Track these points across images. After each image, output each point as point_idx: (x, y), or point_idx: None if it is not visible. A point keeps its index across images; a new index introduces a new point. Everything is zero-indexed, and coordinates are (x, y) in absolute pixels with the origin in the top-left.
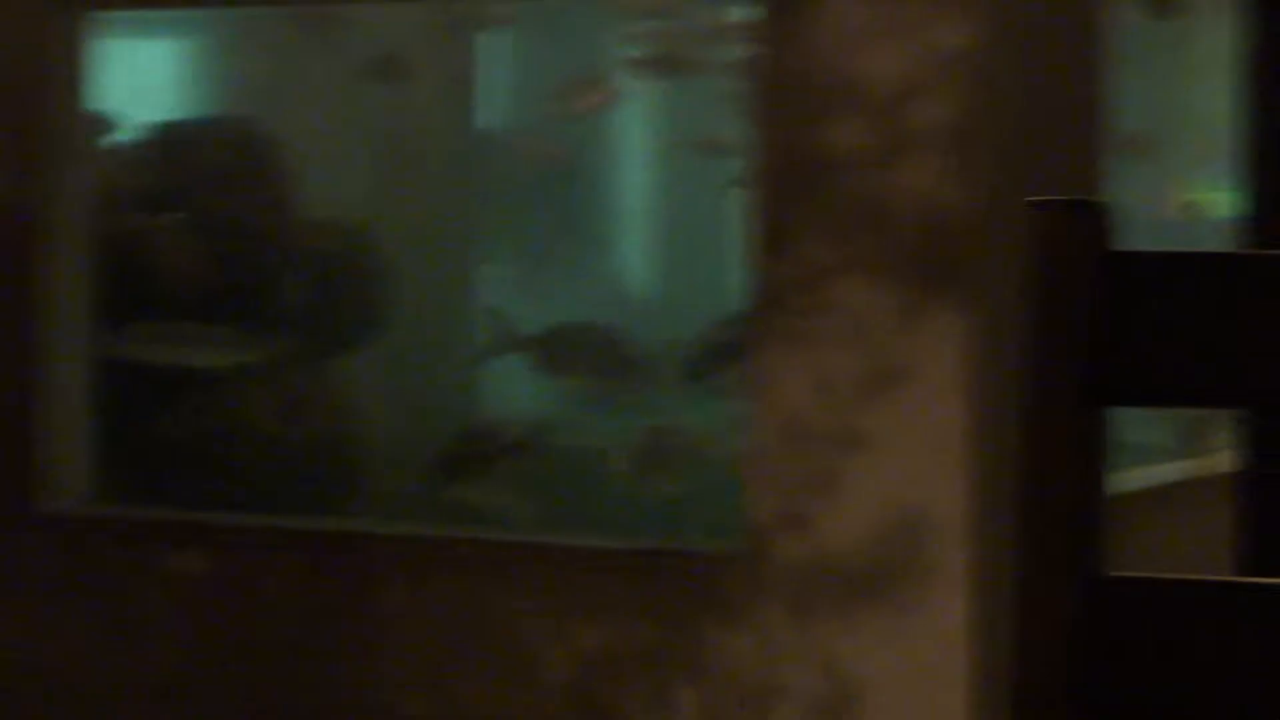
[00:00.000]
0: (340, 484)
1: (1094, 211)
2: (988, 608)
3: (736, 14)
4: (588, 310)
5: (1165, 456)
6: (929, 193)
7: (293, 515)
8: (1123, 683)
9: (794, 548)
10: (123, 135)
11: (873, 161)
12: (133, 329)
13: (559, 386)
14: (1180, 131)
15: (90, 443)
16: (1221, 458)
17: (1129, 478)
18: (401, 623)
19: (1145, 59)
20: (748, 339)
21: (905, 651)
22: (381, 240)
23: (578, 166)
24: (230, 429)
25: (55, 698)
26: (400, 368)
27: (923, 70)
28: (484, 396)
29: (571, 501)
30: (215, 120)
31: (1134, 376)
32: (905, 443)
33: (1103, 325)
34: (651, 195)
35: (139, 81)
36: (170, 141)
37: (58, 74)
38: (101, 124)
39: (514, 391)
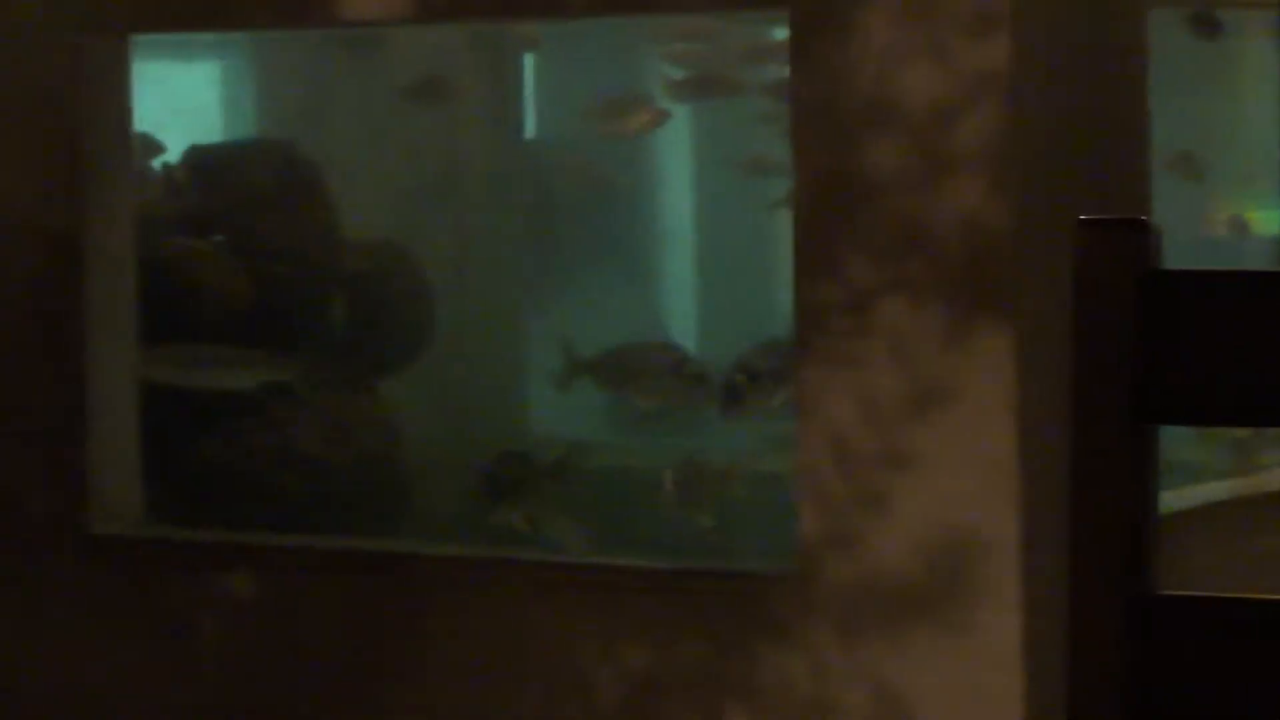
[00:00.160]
0: (386, 506)
1: (1140, 230)
2: (1038, 627)
3: (773, 35)
4: (631, 332)
5: (1214, 475)
6: (971, 213)
7: (339, 537)
8: (1175, 702)
9: (843, 568)
10: (164, 158)
11: (914, 182)
12: (176, 352)
13: (632, 407)
14: (1228, 151)
15: (139, 465)
16: (1271, 476)
17: (1179, 497)
18: (449, 643)
19: (1193, 80)
20: (793, 360)
21: (955, 672)
22: (424, 262)
23: (620, 187)
24: (275, 451)
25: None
26: (444, 389)
27: (963, 90)
28: (529, 417)
29: (619, 522)
30: (257, 142)
31: (1182, 395)
32: (953, 463)
33: (1150, 344)
34: (694, 216)
35: (180, 104)
36: (212, 164)
37: (99, 97)
38: (143, 147)
39: (559, 412)
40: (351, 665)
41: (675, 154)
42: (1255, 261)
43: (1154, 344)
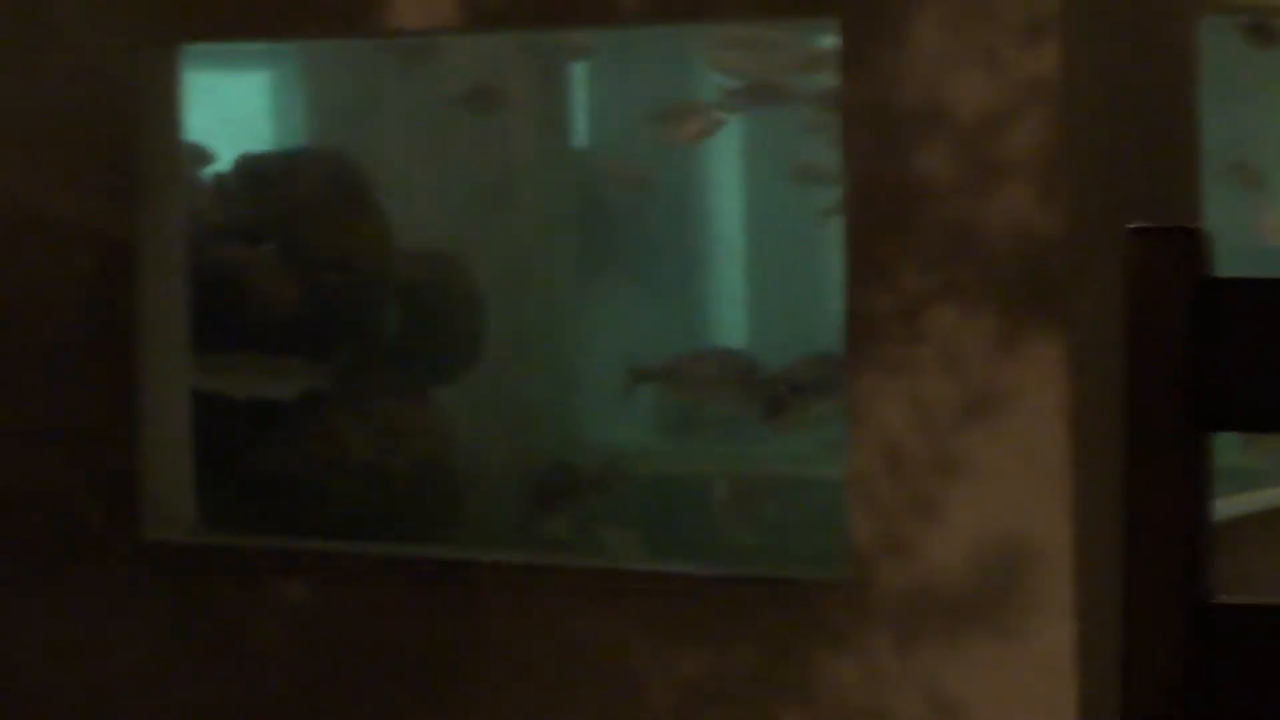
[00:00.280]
0: (441, 512)
1: (1191, 238)
2: (1093, 634)
3: (824, 43)
4: (683, 341)
5: (1268, 482)
6: (1023, 219)
7: (394, 543)
8: (1230, 709)
9: (897, 574)
10: (215, 167)
11: (965, 189)
12: (229, 360)
13: (701, 414)
14: None
15: (193, 471)
16: None
17: (1233, 503)
18: (505, 650)
19: (1251, 89)
20: (844, 367)
21: (1009, 678)
22: (476, 270)
23: (672, 194)
24: (329, 458)
25: None
26: (497, 396)
27: (1014, 96)
28: (581, 424)
29: (673, 529)
30: (307, 151)
31: (1234, 402)
32: (1006, 469)
33: (1203, 351)
34: (744, 224)
35: (231, 113)
36: (262, 173)
37: (150, 106)
38: (194, 156)
39: (613, 419)
40: (406, 671)
41: (725, 162)
42: None
43: (1206, 351)
